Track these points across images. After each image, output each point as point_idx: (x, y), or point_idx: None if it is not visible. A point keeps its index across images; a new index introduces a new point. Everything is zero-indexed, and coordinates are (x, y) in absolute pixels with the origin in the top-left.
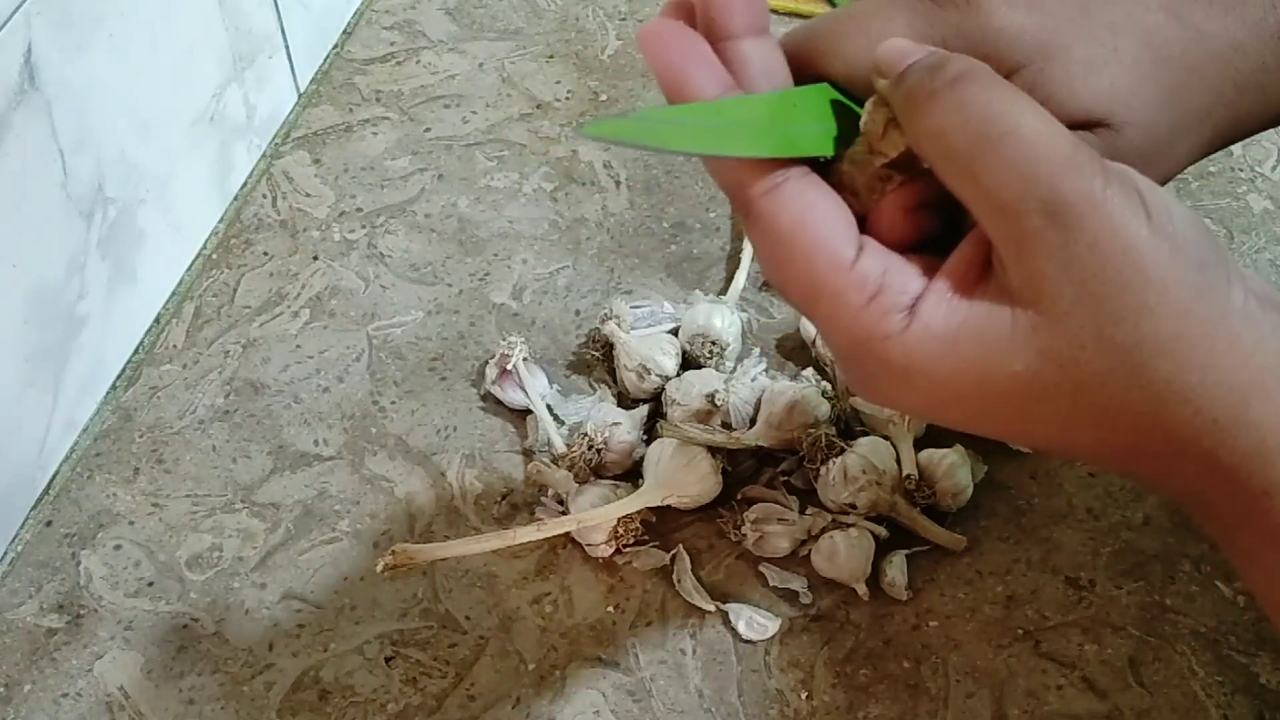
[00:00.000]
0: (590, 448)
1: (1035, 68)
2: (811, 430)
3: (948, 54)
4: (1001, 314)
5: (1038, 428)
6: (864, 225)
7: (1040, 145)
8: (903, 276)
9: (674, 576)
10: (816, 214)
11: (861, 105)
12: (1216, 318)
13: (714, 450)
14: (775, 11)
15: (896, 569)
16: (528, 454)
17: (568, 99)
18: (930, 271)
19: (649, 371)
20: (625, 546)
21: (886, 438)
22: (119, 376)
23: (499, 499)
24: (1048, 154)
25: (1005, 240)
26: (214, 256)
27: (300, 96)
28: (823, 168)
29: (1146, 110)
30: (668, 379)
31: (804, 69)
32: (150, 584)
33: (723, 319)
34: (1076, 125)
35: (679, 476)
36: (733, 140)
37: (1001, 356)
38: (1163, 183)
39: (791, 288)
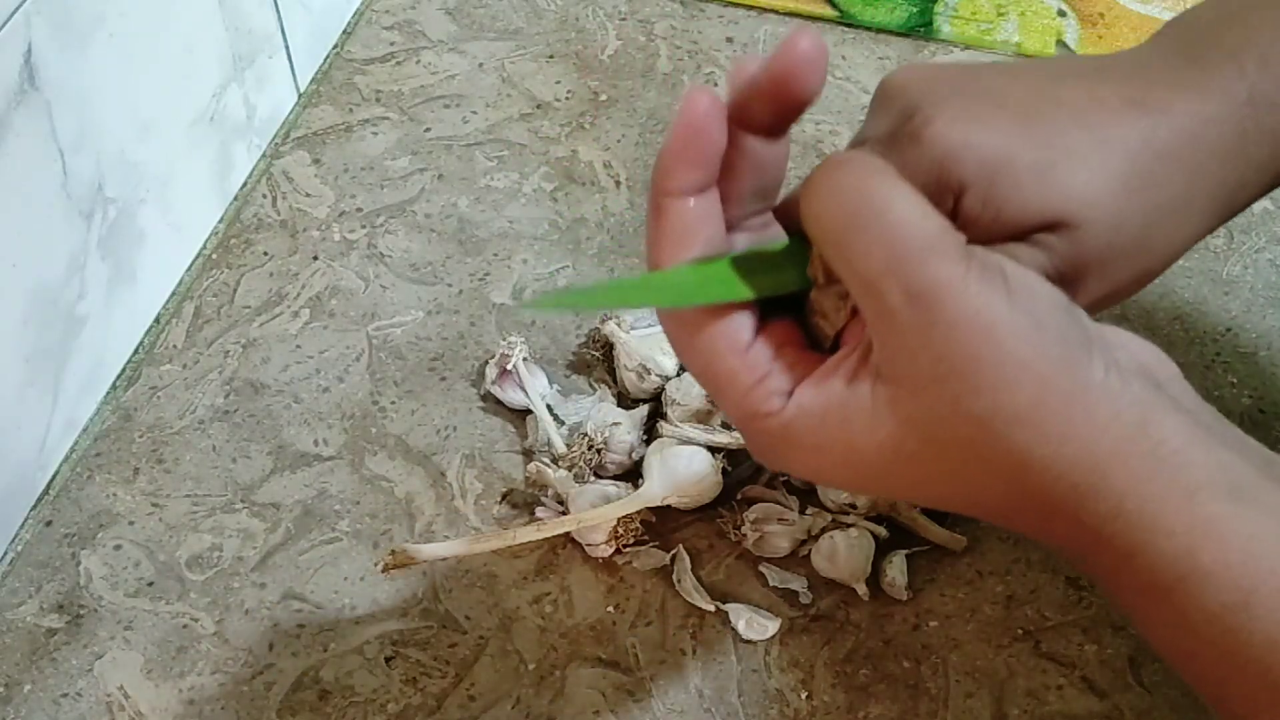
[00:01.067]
0: (590, 448)
1: (984, 184)
2: None
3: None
4: (864, 390)
5: (916, 489)
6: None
7: (905, 228)
8: (789, 364)
9: (674, 576)
10: (721, 305)
11: None
12: (1075, 391)
13: (714, 450)
14: (775, 11)
15: (896, 569)
16: (528, 454)
17: (568, 99)
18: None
19: (649, 371)
20: (625, 546)
21: None
22: (119, 376)
23: (499, 499)
24: (912, 237)
25: (871, 317)
26: (214, 256)
27: (300, 96)
28: (799, 298)
29: (1109, 203)
30: (668, 379)
31: (790, 226)
32: (150, 584)
33: None
34: (1035, 230)
35: (679, 476)
36: (676, 294)
37: (864, 429)
38: (1157, 274)
39: (694, 364)
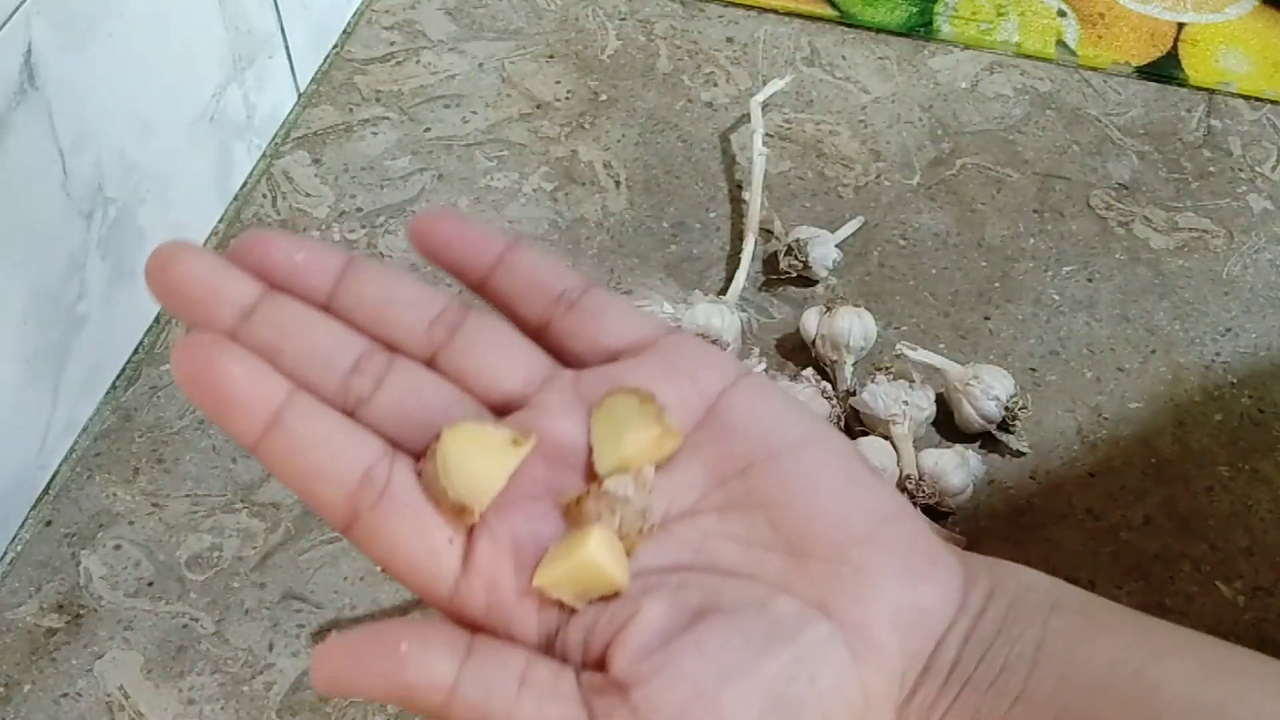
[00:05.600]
0: None
1: None
2: None
3: None
4: None
5: None
6: None
7: None
8: None
9: None
10: None
11: None
12: None
13: None
14: (775, 11)
15: None
16: None
17: (568, 99)
18: None
19: None
20: None
21: (886, 438)
22: (119, 376)
23: None
24: None
25: None
26: None
27: (300, 96)
28: None
29: None
30: None
31: None
32: (150, 584)
33: (722, 319)
34: None
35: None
36: None
37: None
38: None
39: None
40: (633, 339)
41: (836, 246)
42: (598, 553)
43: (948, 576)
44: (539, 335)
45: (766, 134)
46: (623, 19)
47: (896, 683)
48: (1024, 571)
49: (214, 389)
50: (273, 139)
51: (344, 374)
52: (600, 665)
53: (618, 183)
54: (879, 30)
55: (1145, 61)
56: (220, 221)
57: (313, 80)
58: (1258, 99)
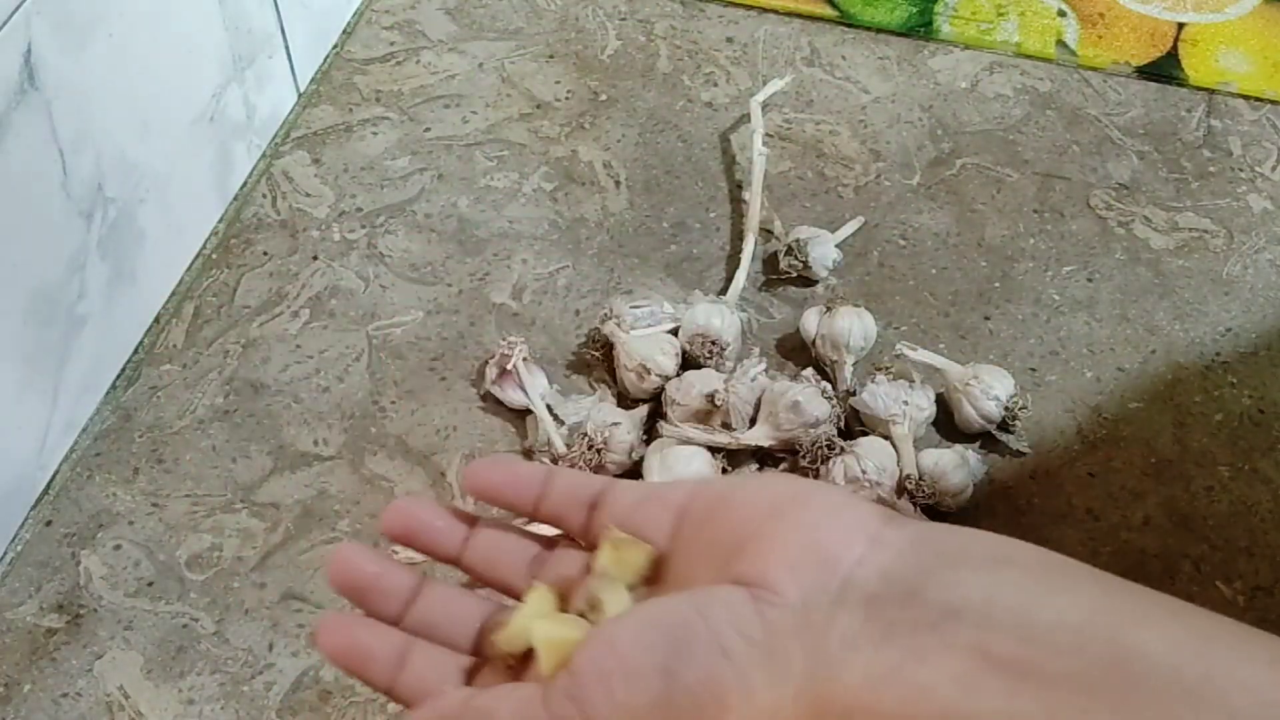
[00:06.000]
0: (590, 448)
1: None
2: (811, 430)
3: None
4: None
5: None
6: None
7: None
8: None
9: None
10: None
11: None
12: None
13: (714, 450)
14: (775, 11)
15: None
16: (528, 454)
17: (568, 99)
18: None
19: (649, 371)
20: None
21: (886, 438)
22: (119, 376)
23: None
24: None
25: None
26: (214, 256)
27: (300, 96)
28: None
29: None
30: (668, 379)
31: None
32: (150, 584)
33: (722, 319)
34: None
35: (678, 476)
36: None
37: None
38: None
39: None
40: (633, 501)
41: (836, 246)
42: (531, 622)
43: (853, 520)
44: (587, 536)
45: (766, 134)
46: (623, 19)
47: (796, 613)
48: (968, 529)
49: (346, 656)
50: (273, 139)
51: (449, 619)
52: None
53: (618, 183)
54: (879, 30)
55: (1145, 61)
56: (220, 221)
57: (313, 80)
58: (1258, 99)
